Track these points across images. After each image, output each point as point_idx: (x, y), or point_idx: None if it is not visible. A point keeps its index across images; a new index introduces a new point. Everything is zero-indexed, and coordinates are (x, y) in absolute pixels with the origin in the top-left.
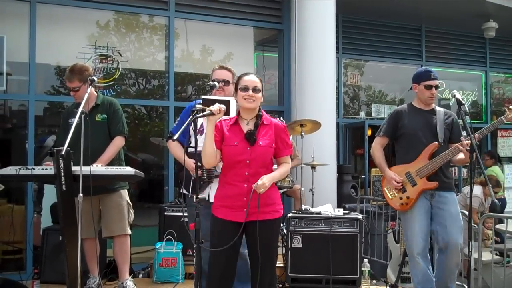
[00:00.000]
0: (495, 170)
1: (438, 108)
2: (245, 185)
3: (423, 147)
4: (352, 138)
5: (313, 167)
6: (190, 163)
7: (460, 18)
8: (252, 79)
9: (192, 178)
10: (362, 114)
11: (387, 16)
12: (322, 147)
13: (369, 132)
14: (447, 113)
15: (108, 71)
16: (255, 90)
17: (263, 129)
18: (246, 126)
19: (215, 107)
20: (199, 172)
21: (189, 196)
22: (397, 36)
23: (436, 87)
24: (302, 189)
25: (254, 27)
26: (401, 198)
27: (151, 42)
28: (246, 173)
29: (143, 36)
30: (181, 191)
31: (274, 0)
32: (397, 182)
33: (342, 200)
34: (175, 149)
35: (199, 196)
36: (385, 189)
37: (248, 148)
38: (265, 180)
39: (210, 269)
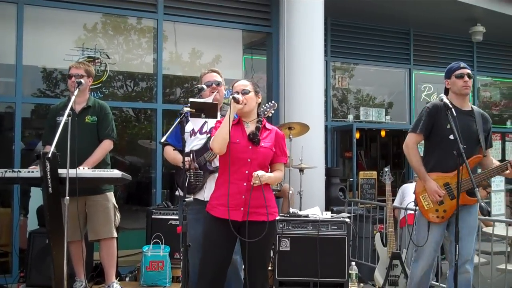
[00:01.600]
0: None
1: (476, 109)
2: (245, 184)
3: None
4: (341, 141)
5: (301, 170)
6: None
7: (448, 22)
8: (240, 83)
9: (187, 180)
10: (351, 117)
11: (376, 20)
12: (311, 150)
13: (357, 135)
14: (484, 117)
15: (96, 73)
16: (244, 92)
17: (264, 132)
18: (248, 128)
19: (241, 97)
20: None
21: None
22: (386, 40)
23: (469, 76)
24: (291, 190)
25: (243, 30)
26: (437, 211)
27: (139, 44)
28: (246, 172)
29: (131, 38)
30: (176, 193)
31: (263, 3)
32: (440, 196)
33: (330, 203)
34: (170, 151)
35: (186, 200)
36: (421, 197)
37: (250, 147)
38: (264, 173)
39: (201, 269)
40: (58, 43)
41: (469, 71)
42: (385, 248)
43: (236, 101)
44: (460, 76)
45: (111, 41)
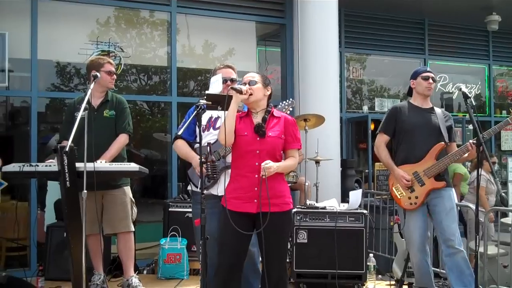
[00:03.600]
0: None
1: (436, 108)
2: (256, 176)
3: (425, 146)
4: (355, 132)
5: (317, 162)
6: (196, 158)
7: (463, 11)
8: (248, 75)
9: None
10: (365, 108)
11: (390, 10)
12: (326, 142)
13: (372, 126)
14: (445, 114)
15: None
16: (250, 83)
17: (272, 121)
18: (256, 119)
19: (245, 87)
20: (204, 167)
21: (197, 191)
22: (400, 30)
23: (433, 79)
24: (307, 183)
25: (256, 22)
26: (409, 198)
27: (153, 37)
28: (256, 163)
29: (144, 31)
30: (188, 187)
31: None
32: (407, 181)
33: (345, 195)
34: (182, 147)
35: (204, 192)
36: (393, 188)
37: (258, 138)
38: (272, 164)
39: (219, 262)
40: (72, 37)
41: (433, 75)
42: (403, 239)
43: (238, 91)
44: (426, 78)
45: (125, 34)
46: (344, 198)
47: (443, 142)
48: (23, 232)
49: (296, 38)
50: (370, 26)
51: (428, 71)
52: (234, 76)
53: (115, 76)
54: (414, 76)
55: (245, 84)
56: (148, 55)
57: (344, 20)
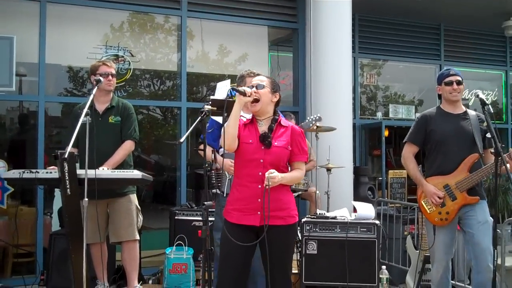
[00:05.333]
0: None
1: (470, 111)
2: (259, 186)
3: (458, 157)
4: (369, 139)
5: (328, 170)
6: (226, 162)
7: (479, 16)
8: (256, 78)
9: (227, 179)
10: (379, 114)
11: (405, 15)
12: (338, 149)
13: (386, 133)
14: (480, 117)
15: (120, 71)
16: (258, 87)
17: (279, 130)
18: (261, 127)
19: (249, 89)
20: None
21: (224, 195)
22: (415, 35)
23: (458, 82)
24: (318, 192)
25: (268, 27)
26: (440, 213)
27: (163, 42)
28: (260, 173)
29: (155, 36)
30: (213, 191)
31: None
32: (439, 198)
33: None
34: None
35: (206, 203)
36: (422, 202)
37: (263, 147)
38: (276, 174)
39: (220, 276)
40: (81, 41)
41: (458, 78)
42: (417, 251)
43: (242, 93)
44: (449, 83)
45: (135, 38)
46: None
47: (477, 154)
48: (30, 238)
49: (308, 43)
50: (384, 32)
51: (451, 75)
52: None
53: (111, 78)
54: (439, 81)
55: (252, 87)
56: (158, 60)
57: (358, 26)
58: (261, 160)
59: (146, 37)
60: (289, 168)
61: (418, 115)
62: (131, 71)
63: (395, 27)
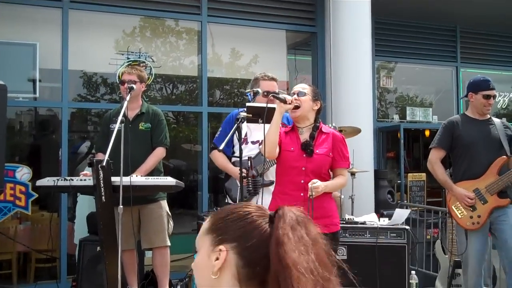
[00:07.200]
0: None
1: (494, 118)
2: (301, 194)
3: (486, 160)
4: (387, 142)
5: (352, 174)
6: (235, 171)
7: (496, 18)
8: (298, 85)
9: (239, 187)
10: (396, 117)
11: (421, 17)
12: (360, 153)
13: (398, 135)
14: (505, 124)
15: None
16: (299, 94)
17: (320, 137)
18: (302, 135)
19: (290, 97)
20: (244, 181)
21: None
22: (431, 37)
23: (494, 97)
24: (342, 196)
25: (286, 31)
26: (471, 217)
27: (183, 47)
28: (302, 181)
29: (175, 41)
30: (226, 201)
31: (307, 3)
32: (471, 199)
33: (379, 206)
34: (220, 158)
35: None
36: (453, 207)
37: (304, 155)
38: (319, 183)
39: None
40: (103, 47)
41: (495, 93)
42: (446, 256)
43: (282, 100)
44: (487, 97)
45: (156, 44)
46: (378, 210)
47: (505, 156)
48: (52, 244)
49: (327, 47)
50: (400, 34)
51: (491, 88)
52: (276, 88)
53: (126, 85)
54: (475, 89)
55: (293, 94)
56: (179, 65)
57: (374, 28)
58: (303, 168)
59: (166, 42)
60: (331, 174)
61: (445, 120)
62: (153, 76)
63: (411, 29)
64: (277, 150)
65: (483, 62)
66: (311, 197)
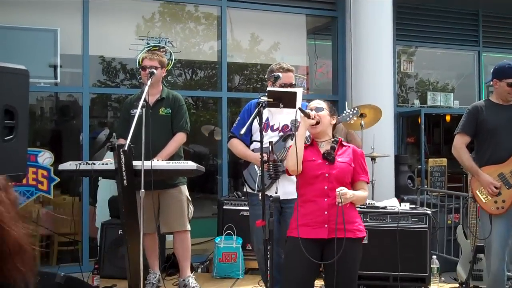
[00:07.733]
0: None
1: None
2: (325, 199)
3: (510, 145)
4: (407, 127)
5: (373, 159)
6: (256, 156)
7: None
8: (314, 101)
9: (258, 175)
10: (417, 102)
11: (442, 1)
12: (381, 138)
13: (419, 120)
14: None
15: None
16: (317, 110)
17: (340, 149)
18: (322, 148)
19: (313, 112)
20: (265, 165)
21: (255, 193)
22: (453, 21)
23: None
24: None
25: (306, 15)
26: (496, 202)
27: (203, 32)
28: (326, 187)
29: (194, 26)
30: (244, 190)
31: None
32: (496, 188)
33: (399, 191)
34: (239, 146)
35: (273, 195)
36: (477, 191)
37: (327, 163)
38: (347, 190)
39: None
40: (123, 33)
41: None
42: (468, 241)
43: (307, 115)
44: (511, 85)
45: (175, 29)
46: (398, 195)
47: None
48: (74, 227)
49: (348, 32)
50: (422, 18)
51: None
52: (293, 80)
53: (147, 71)
54: (499, 76)
55: (311, 110)
56: (198, 50)
57: (396, 12)
58: (327, 175)
59: (186, 27)
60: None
61: (469, 106)
62: (173, 61)
63: (433, 13)
64: (301, 167)
65: (505, 47)
66: (339, 204)
